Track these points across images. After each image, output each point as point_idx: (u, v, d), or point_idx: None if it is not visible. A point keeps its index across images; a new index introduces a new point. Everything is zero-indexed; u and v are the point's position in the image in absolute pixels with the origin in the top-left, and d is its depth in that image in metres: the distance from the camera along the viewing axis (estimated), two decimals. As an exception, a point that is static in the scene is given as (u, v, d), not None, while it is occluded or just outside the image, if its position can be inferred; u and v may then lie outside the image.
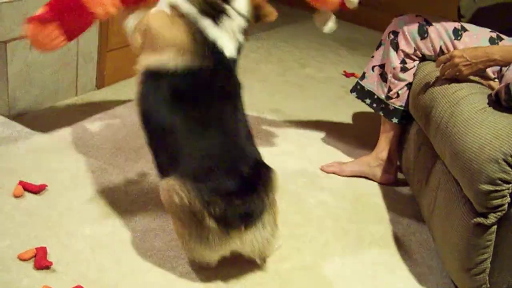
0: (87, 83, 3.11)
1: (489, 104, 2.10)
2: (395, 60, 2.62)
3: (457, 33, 2.51)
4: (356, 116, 3.52)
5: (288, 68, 4.12)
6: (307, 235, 2.32)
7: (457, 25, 2.54)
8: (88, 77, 3.07)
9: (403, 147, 2.77)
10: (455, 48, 2.49)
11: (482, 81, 2.37)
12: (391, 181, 2.80)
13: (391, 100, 2.68)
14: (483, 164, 1.87)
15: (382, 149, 2.77)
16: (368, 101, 2.77)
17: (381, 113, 2.73)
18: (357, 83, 2.83)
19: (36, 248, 1.91)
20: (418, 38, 2.56)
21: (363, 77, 2.80)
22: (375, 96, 2.74)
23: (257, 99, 3.46)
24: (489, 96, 2.16)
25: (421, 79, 2.53)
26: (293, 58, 4.40)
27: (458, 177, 2.02)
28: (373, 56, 2.76)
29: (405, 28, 2.57)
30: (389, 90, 2.68)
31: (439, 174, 2.26)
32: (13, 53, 2.62)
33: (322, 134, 3.20)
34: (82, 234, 2.05)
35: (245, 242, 1.88)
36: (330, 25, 2.53)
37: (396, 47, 2.61)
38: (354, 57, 4.73)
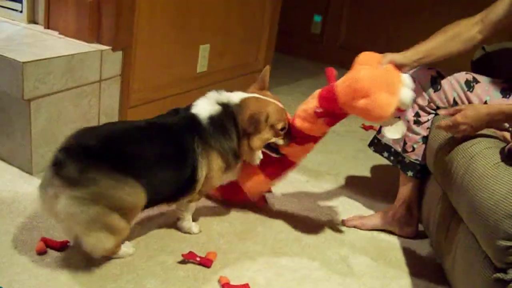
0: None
1: (503, 158, 2.09)
2: (409, 113, 2.62)
3: (469, 85, 2.51)
4: (376, 169, 3.51)
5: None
6: (331, 290, 2.30)
7: (469, 76, 2.54)
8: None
9: (423, 200, 2.75)
10: (468, 99, 2.49)
11: (496, 131, 2.35)
12: (412, 234, 2.77)
13: (407, 154, 2.68)
14: (499, 220, 1.86)
15: (402, 202, 2.75)
16: (385, 154, 2.79)
17: (398, 166, 2.72)
18: (375, 137, 2.85)
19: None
20: (431, 91, 2.55)
21: (379, 131, 2.81)
22: (392, 149, 2.75)
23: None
24: (502, 150, 2.14)
25: (436, 133, 2.52)
26: (312, 111, 4.41)
27: (476, 233, 2.00)
28: None
29: (418, 81, 2.56)
30: (405, 143, 2.67)
31: (458, 229, 2.24)
32: (37, 110, 2.67)
33: (343, 188, 3.20)
34: (104, 291, 2.05)
35: None
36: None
37: None
38: (373, 109, 4.73)
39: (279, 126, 2.43)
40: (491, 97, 2.46)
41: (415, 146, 2.65)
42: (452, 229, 2.30)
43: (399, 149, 2.71)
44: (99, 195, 2.01)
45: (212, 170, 2.39)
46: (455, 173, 2.23)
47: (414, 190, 2.74)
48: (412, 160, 2.68)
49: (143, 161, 2.17)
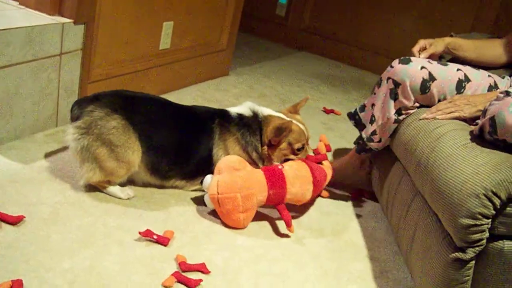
0: (68, 115, 3.08)
1: (471, 140, 2.14)
2: (391, 110, 2.60)
3: (460, 86, 2.54)
4: (338, 152, 3.53)
5: (269, 104, 4.13)
6: (287, 272, 2.32)
7: (461, 74, 2.55)
8: (69, 109, 3.05)
9: (382, 183, 2.79)
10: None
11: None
12: (365, 176, 3.04)
13: (371, 143, 2.73)
14: (464, 198, 1.90)
15: (355, 158, 3.00)
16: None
17: (354, 145, 2.88)
18: (356, 112, 2.84)
19: (12, 281, 1.88)
20: (419, 93, 2.53)
21: (362, 109, 2.80)
22: (363, 131, 2.79)
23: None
24: (471, 132, 2.20)
25: (406, 120, 2.57)
26: (274, 93, 4.43)
27: (438, 212, 2.04)
28: (373, 93, 2.72)
29: (408, 82, 2.51)
30: (373, 133, 2.69)
31: (418, 210, 2.28)
32: (-6, 83, 2.61)
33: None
34: (60, 268, 2.02)
35: None
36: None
37: (395, 97, 2.57)
38: (334, 93, 4.77)
39: (297, 146, 2.72)
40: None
41: (383, 139, 2.68)
42: (412, 210, 2.34)
43: (364, 136, 2.75)
44: (91, 125, 2.42)
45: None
46: (420, 153, 2.27)
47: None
48: (372, 148, 2.75)
49: (145, 118, 2.54)
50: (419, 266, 2.18)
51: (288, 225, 2.48)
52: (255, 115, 2.74)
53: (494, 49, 2.79)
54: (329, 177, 2.77)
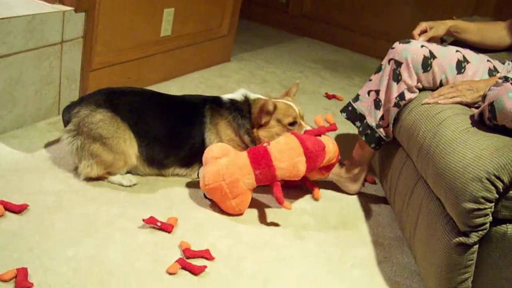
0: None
1: (472, 124, 2.14)
2: (395, 91, 2.57)
3: (460, 66, 2.54)
4: (340, 138, 3.53)
5: (271, 89, 4.13)
6: (292, 258, 2.32)
7: (460, 55, 2.56)
8: (71, 97, 3.06)
9: (385, 169, 2.78)
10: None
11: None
12: (356, 191, 2.90)
13: (380, 129, 2.67)
14: (467, 182, 1.90)
15: (355, 166, 2.83)
16: (358, 123, 2.77)
17: (363, 138, 2.72)
18: (350, 104, 2.80)
19: (17, 269, 1.89)
20: (421, 71, 2.52)
21: (356, 99, 2.76)
22: (365, 121, 2.72)
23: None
24: (472, 116, 2.20)
25: (408, 106, 2.56)
26: (276, 79, 4.42)
27: (441, 196, 2.04)
28: (370, 80, 2.70)
29: (409, 59, 2.51)
30: (381, 118, 2.64)
31: (421, 195, 2.28)
32: (-4, 72, 2.61)
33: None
34: (64, 256, 2.03)
35: None
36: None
37: (398, 78, 2.55)
38: (335, 78, 4.76)
39: (286, 121, 2.69)
40: (481, 79, 2.53)
41: (390, 125, 2.64)
42: (415, 194, 2.34)
43: (373, 124, 2.67)
44: (79, 125, 2.47)
45: (223, 140, 2.68)
46: (422, 138, 2.27)
47: (370, 157, 2.82)
48: (382, 136, 2.67)
49: (131, 108, 2.57)
50: (423, 251, 2.18)
51: (279, 202, 2.45)
52: (246, 99, 2.76)
53: (497, 32, 2.78)
54: (331, 149, 2.63)
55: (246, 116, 2.71)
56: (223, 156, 2.50)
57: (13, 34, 2.60)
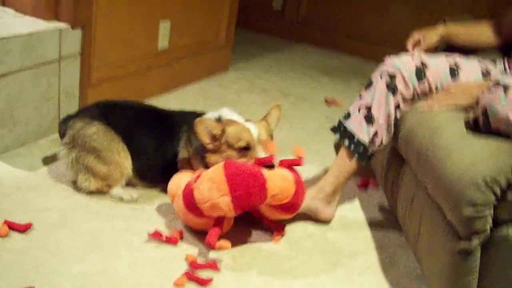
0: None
1: (468, 130, 2.14)
2: (391, 106, 2.51)
3: (453, 72, 2.54)
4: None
5: (271, 98, 4.14)
6: (297, 268, 2.32)
7: (451, 62, 2.57)
8: (71, 112, 3.06)
9: (386, 177, 2.78)
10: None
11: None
12: (331, 216, 2.65)
13: (374, 148, 2.57)
14: (465, 188, 1.89)
15: (330, 183, 2.63)
16: (346, 142, 2.59)
17: (355, 155, 2.57)
18: (340, 123, 2.64)
19: (24, 288, 1.89)
20: (416, 81, 2.50)
21: (347, 116, 2.62)
22: (355, 139, 2.57)
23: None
24: (467, 122, 2.19)
25: (406, 113, 2.55)
26: (275, 87, 4.43)
27: (441, 203, 2.04)
28: (360, 96, 2.60)
29: (403, 70, 2.49)
30: (375, 134, 2.54)
31: (422, 202, 2.28)
32: (-5, 91, 2.62)
33: (307, 164, 3.18)
34: (70, 273, 2.03)
35: None
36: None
37: (394, 91, 2.50)
38: (334, 84, 4.77)
39: (237, 145, 2.38)
40: (475, 82, 2.52)
41: (384, 139, 2.57)
42: (416, 202, 2.34)
43: (366, 140, 2.54)
44: (74, 137, 2.49)
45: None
46: (419, 145, 2.27)
47: (351, 174, 2.64)
48: (374, 152, 2.60)
49: (124, 122, 2.58)
50: (427, 258, 2.18)
51: (209, 247, 2.23)
52: (218, 120, 2.50)
53: (484, 34, 2.81)
54: (279, 187, 2.27)
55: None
56: (176, 196, 2.38)
57: (11, 54, 2.61)
